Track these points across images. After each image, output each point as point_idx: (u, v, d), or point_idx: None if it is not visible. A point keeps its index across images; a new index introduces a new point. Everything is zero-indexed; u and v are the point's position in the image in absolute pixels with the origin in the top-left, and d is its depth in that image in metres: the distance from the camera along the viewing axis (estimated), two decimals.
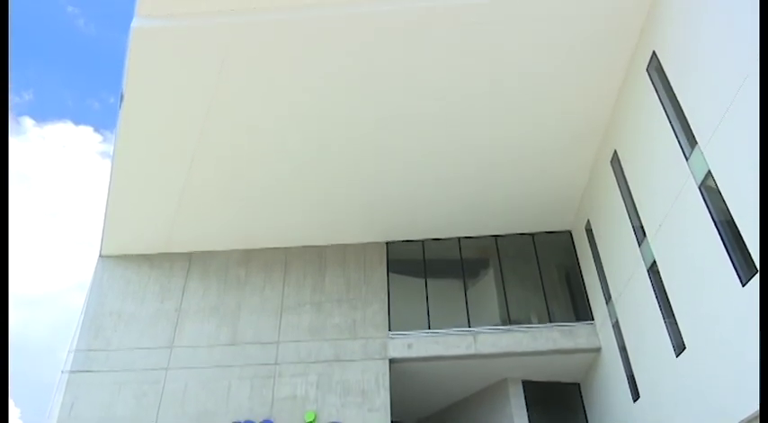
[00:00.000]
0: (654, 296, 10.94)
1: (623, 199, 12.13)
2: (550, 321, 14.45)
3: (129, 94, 11.90)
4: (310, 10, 10.64)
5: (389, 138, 12.98)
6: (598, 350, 13.81)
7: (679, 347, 10.00)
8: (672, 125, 9.82)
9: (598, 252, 13.90)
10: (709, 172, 8.69)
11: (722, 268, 8.35)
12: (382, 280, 15.24)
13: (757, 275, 7.51)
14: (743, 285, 7.88)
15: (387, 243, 15.88)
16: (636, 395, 11.88)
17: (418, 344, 13.98)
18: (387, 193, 14.48)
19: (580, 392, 15.04)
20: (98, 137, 51.57)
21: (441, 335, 14.08)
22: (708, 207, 8.84)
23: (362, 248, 15.77)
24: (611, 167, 12.69)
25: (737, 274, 8.02)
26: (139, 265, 15.63)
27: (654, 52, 10.30)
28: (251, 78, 11.66)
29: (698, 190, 9.09)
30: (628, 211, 11.95)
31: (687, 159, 9.38)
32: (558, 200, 14.95)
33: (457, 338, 13.98)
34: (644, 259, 11.34)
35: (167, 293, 15.14)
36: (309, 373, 13.62)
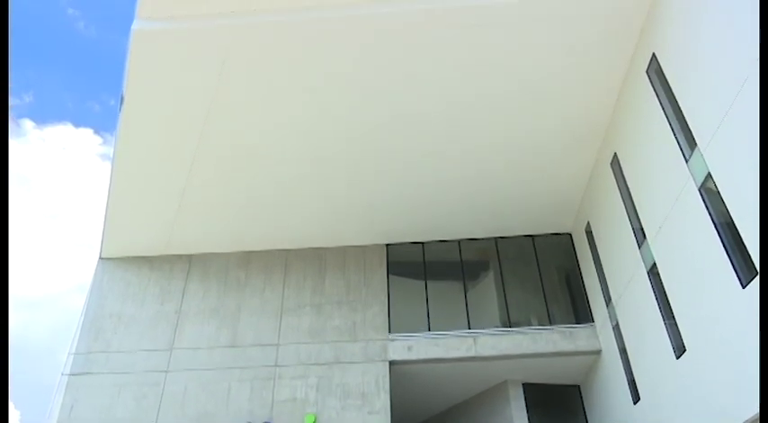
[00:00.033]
0: (654, 298, 10.93)
1: (623, 201, 12.13)
2: (551, 323, 14.44)
3: (129, 96, 11.91)
4: (310, 12, 10.65)
5: (390, 139, 12.98)
6: (598, 352, 13.80)
7: (679, 349, 9.99)
8: (672, 127, 9.82)
9: (598, 254, 13.89)
10: (709, 174, 8.69)
11: (722, 270, 8.34)
12: (382, 282, 15.23)
13: (757, 277, 7.50)
14: (743, 287, 7.87)
15: (387, 245, 15.88)
16: (636, 397, 11.87)
17: (418, 346, 13.97)
18: (387, 194, 14.48)
19: (580, 395, 15.02)
20: (98, 139, 51.61)
21: (441, 337, 14.07)
22: (708, 209, 8.84)
23: (362, 250, 15.76)
24: (611, 169, 12.69)
25: (738, 276, 8.02)
26: (139, 267, 15.63)
27: (653, 54, 10.31)
28: (251, 80, 11.67)
29: (698, 192, 9.09)
30: (628, 213, 11.95)
31: (687, 161, 9.38)
32: (558, 202, 14.96)
33: (457, 341, 13.97)
34: (644, 261, 11.34)
35: (167, 295, 15.14)
36: (309, 376, 13.61)
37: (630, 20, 10.58)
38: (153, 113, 12.42)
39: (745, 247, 7.80)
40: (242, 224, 15.23)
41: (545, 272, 15.55)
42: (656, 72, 10.38)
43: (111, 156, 13.43)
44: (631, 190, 11.75)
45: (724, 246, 8.36)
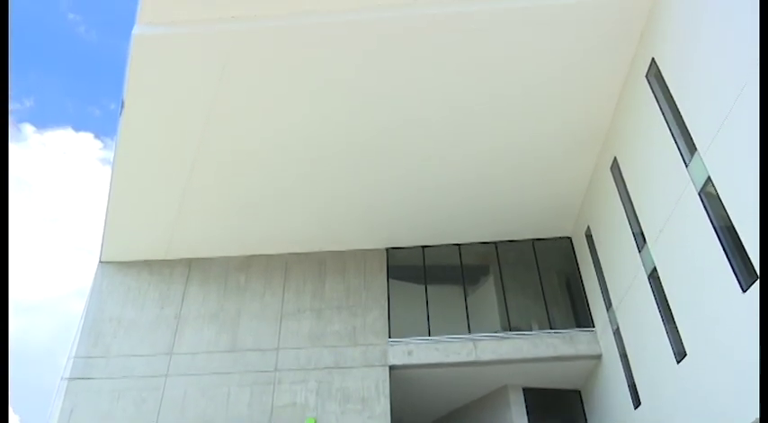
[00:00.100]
0: (654, 302, 10.92)
1: (623, 205, 12.13)
2: (551, 328, 14.42)
3: (129, 100, 11.93)
4: (311, 17, 10.68)
5: (390, 144, 13.00)
6: (599, 357, 13.77)
7: (680, 354, 9.98)
8: (671, 131, 9.84)
9: (598, 258, 13.89)
10: (709, 178, 8.70)
11: (723, 274, 8.34)
12: (382, 286, 15.22)
13: (758, 282, 7.50)
14: (743, 291, 7.87)
15: (387, 249, 15.87)
16: (637, 402, 11.84)
17: (418, 350, 13.95)
18: (387, 199, 14.49)
19: (581, 399, 14.99)
20: (98, 143, 51.69)
21: (441, 341, 14.05)
22: (708, 213, 8.84)
23: (362, 255, 15.76)
24: (611, 174, 12.70)
25: (738, 281, 8.01)
26: (139, 272, 15.62)
27: (653, 59, 10.33)
28: (251, 85, 11.69)
29: (698, 196, 9.09)
30: (628, 218, 11.95)
31: (687, 166, 9.39)
32: (558, 206, 14.96)
33: (457, 345, 13.95)
34: (644, 265, 11.33)
35: (167, 300, 15.12)
36: (309, 380, 13.58)
37: (630, 24, 10.61)
38: (153, 118, 12.44)
39: (745, 251, 7.80)
40: (242, 228, 15.23)
41: (545, 276, 15.54)
42: (655, 76, 10.40)
43: (112, 160, 13.45)
44: (631, 194, 11.76)
45: (724, 250, 8.36)
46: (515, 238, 15.91)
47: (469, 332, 14.29)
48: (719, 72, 8.34)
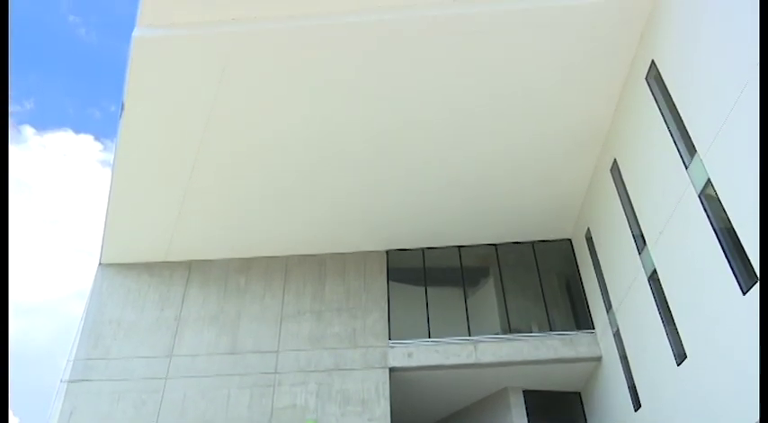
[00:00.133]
0: (654, 305, 10.91)
1: (623, 207, 12.13)
2: (551, 330, 14.41)
3: (129, 102, 11.94)
4: (311, 19, 10.69)
5: (390, 146, 13.00)
6: (599, 359, 13.76)
7: (680, 356, 9.97)
8: (671, 133, 9.84)
9: (598, 260, 13.88)
10: (709, 180, 8.69)
11: (723, 276, 8.33)
12: (382, 288, 15.21)
13: (758, 284, 7.50)
14: (743, 294, 7.86)
15: (387, 251, 15.86)
16: (637, 404, 11.83)
17: (418, 353, 13.94)
18: (387, 201, 14.49)
19: (581, 402, 14.96)
20: (98, 145, 51.68)
21: (441, 344, 14.04)
22: (708, 215, 8.84)
23: (362, 257, 15.75)
24: (610, 176, 12.70)
25: (738, 283, 8.01)
26: (139, 274, 15.61)
27: (653, 61, 10.34)
28: (251, 87, 11.70)
29: (698, 198, 9.09)
30: (628, 220, 11.95)
31: (687, 168, 9.39)
32: (558, 208, 14.96)
33: (457, 347, 13.94)
34: (644, 267, 11.33)
35: (167, 302, 15.12)
36: (309, 383, 13.57)
37: (630, 26, 10.62)
38: (153, 120, 12.44)
39: (745, 253, 7.80)
40: (242, 230, 15.22)
41: (545, 278, 15.53)
42: (655, 78, 10.41)
43: (112, 162, 13.46)
44: (631, 196, 11.75)
45: (724, 252, 8.36)
46: (515, 240, 15.91)
47: (470, 334, 14.28)
48: (719, 74, 8.35)
